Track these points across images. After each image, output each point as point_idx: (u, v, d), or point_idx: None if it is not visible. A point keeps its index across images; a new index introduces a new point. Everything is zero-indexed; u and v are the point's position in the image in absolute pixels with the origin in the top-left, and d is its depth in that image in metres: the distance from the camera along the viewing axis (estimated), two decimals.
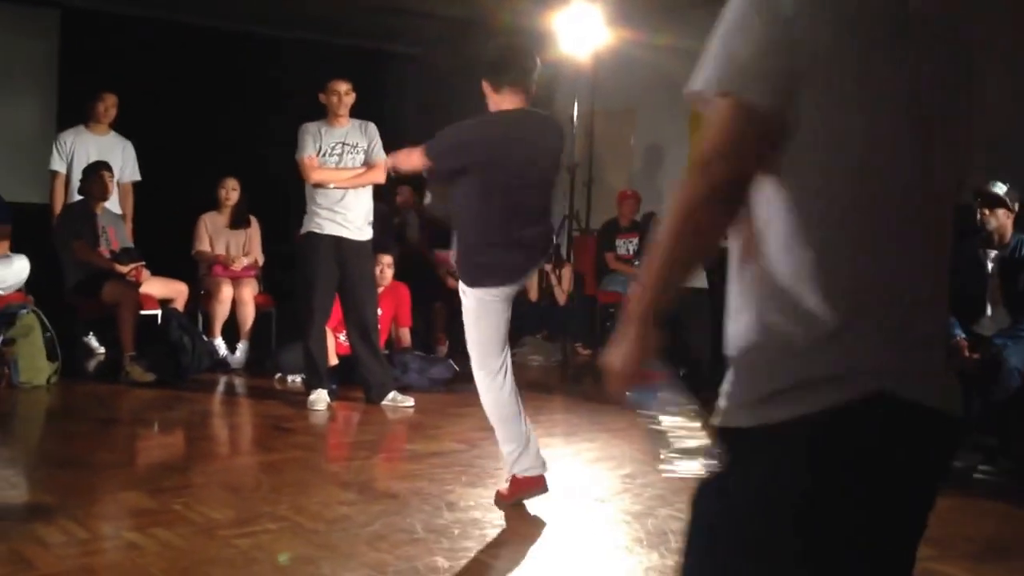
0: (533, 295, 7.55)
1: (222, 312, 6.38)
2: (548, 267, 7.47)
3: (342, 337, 5.74)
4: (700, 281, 7.74)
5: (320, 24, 9.02)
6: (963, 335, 4.53)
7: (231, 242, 6.68)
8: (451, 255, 3.68)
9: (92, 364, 6.42)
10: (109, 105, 6.59)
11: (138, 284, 6.04)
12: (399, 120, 9.24)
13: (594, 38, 7.14)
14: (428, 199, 8.25)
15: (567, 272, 7.60)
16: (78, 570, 2.81)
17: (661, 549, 3.22)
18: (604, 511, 3.69)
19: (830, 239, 1.26)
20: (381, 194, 6.04)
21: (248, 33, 9.05)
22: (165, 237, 6.75)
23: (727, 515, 1.33)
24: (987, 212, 4.55)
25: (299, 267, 5.31)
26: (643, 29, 7.47)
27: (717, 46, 1.30)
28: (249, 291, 6.50)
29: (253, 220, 6.79)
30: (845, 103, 1.23)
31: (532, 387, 6.53)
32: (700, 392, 5.43)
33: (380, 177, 5.32)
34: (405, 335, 6.27)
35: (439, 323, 7.21)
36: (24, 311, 5.45)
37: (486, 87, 3.53)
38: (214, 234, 6.67)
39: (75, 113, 6.88)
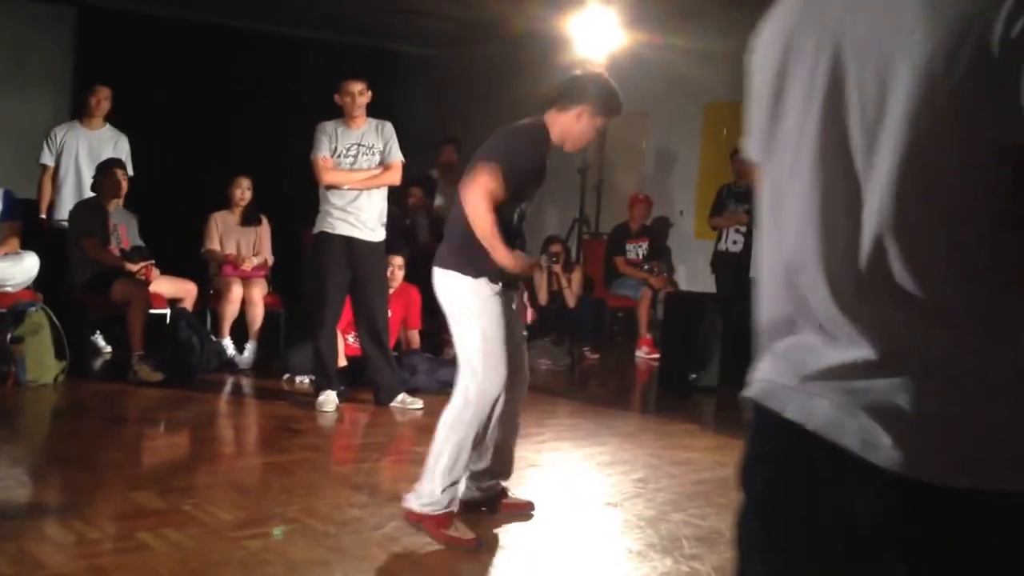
0: (542, 298, 7.52)
1: (231, 312, 6.36)
2: (558, 269, 7.45)
3: (351, 338, 5.72)
4: (708, 285, 7.73)
5: (335, 24, 9.02)
6: None
7: (241, 241, 6.66)
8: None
9: (99, 363, 6.40)
10: (102, 98, 6.56)
11: (148, 283, 6.01)
12: (410, 121, 9.25)
13: (609, 41, 7.13)
14: (439, 201, 8.28)
15: (577, 275, 7.58)
16: (88, 570, 2.79)
17: (675, 554, 3.20)
18: (616, 516, 3.66)
19: None
20: (394, 195, 6.02)
21: (263, 32, 9.06)
22: (176, 236, 6.73)
23: None
24: None
25: (311, 267, 5.29)
26: (657, 32, 7.45)
27: None
28: (259, 291, 6.48)
29: (264, 220, 6.77)
30: None
31: (541, 391, 6.50)
32: (713, 392, 5.34)
33: (395, 179, 5.29)
34: (414, 337, 6.24)
35: (448, 326, 7.17)
36: (33, 308, 5.43)
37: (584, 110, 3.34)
38: (225, 233, 6.65)
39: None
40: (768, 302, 1.23)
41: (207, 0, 8.40)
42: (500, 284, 3.24)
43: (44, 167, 6.56)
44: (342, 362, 5.69)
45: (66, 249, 6.10)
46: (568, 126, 3.30)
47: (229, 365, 6.26)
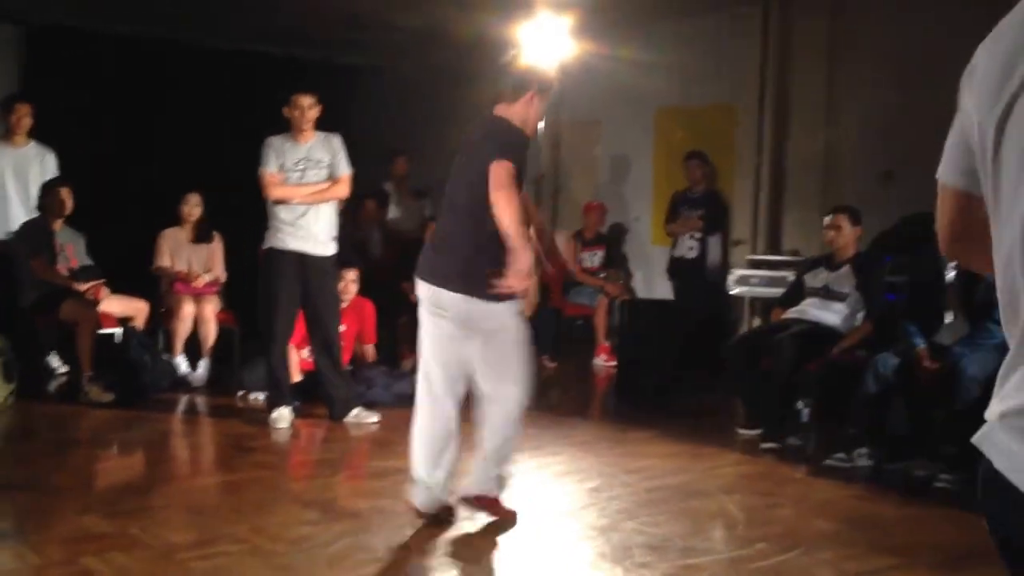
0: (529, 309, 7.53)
1: (183, 329, 6.30)
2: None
3: (305, 353, 5.68)
4: (665, 291, 7.78)
5: (284, 37, 8.97)
6: (924, 345, 4.57)
7: (193, 258, 6.60)
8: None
9: (54, 385, 6.30)
10: (22, 115, 6.43)
11: (97, 302, 5.94)
12: (364, 132, 9.22)
13: (559, 50, 7.16)
14: (393, 213, 8.26)
15: (534, 283, 7.59)
16: None
17: (626, 563, 3.22)
18: (569, 525, 3.67)
19: None
20: (346, 209, 6.00)
21: (212, 48, 8.99)
22: (125, 255, 6.65)
23: None
24: None
25: (261, 283, 5.25)
26: (606, 43, 7.51)
27: None
28: (211, 308, 6.42)
29: (216, 236, 6.72)
30: None
31: None
32: (672, 405, 5.34)
33: (343, 192, 5.28)
34: (370, 351, 6.22)
35: (404, 338, 7.16)
36: None
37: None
38: (175, 250, 6.59)
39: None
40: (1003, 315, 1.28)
41: (153, 16, 8.31)
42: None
43: None
44: (296, 377, 5.65)
45: (10, 269, 6.00)
46: (524, 112, 3.52)
47: (182, 383, 6.20)
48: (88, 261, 6.23)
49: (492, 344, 3.53)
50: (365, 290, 6.37)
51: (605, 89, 8.07)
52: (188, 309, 6.30)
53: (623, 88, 8.09)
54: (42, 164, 6.47)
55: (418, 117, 9.97)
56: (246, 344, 6.51)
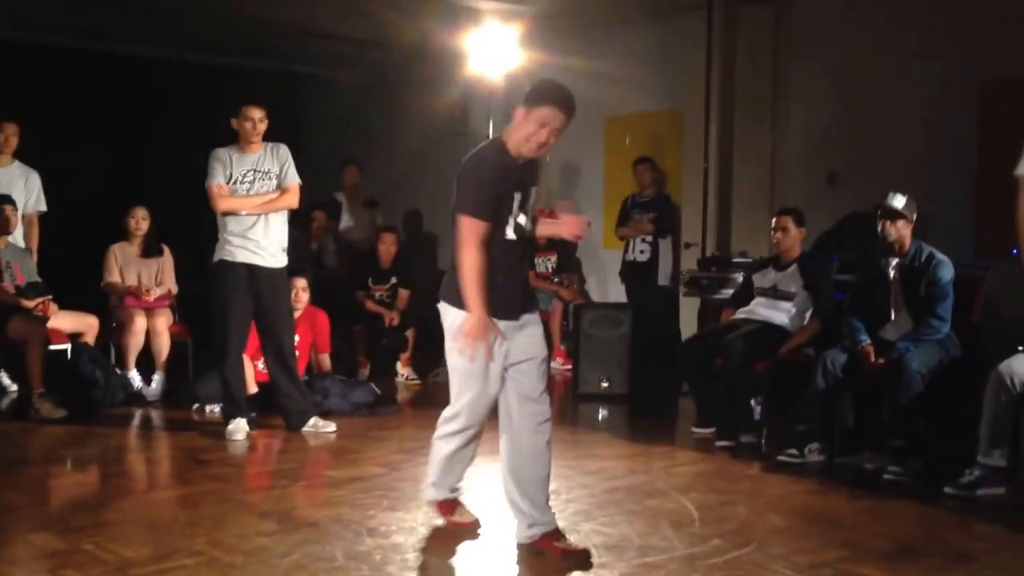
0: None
1: (135, 344, 6.23)
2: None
3: (260, 364, 5.65)
4: (618, 295, 7.86)
5: (236, 48, 8.92)
6: (869, 341, 4.68)
7: (143, 272, 6.53)
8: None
9: (3, 402, 6.18)
10: (9, 135, 6.37)
11: (45, 318, 5.85)
12: (313, 141, 9.20)
13: (506, 58, 7.21)
14: (345, 223, 8.23)
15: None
16: None
17: (584, 564, 3.25)
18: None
19: None
20: (297, 220, 5.98)
21: (159, 59, 8.91)
22: (75, 270, 6.56)
23: None
24: (888, 224, 4.72)
25: (213, 296, 5.22)
26: (554, 52, 7.58)
27: None
28: (164, 321, 6.37)
29: (166, 249, 6.66)
30: None
31: None
32: (624, 400, 5.39)
33: (292, 202, 5.26)
34: (325, 361, 6.20)
35: (360, 347, 7.15)
36: None
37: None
38: (124, 265, 6.52)
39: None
40: None
41: (97, 27, 8.21)
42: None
43: None
44: (252, 389, 5.62)
45: None
46: (515, 131, 3.34)
47: (136, 398, 6.14)
48: (35, 278, 6.14)
49: (450, 354, 3.43)
50: (320, 300, 6.36)
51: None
52: (140, 323, 6.24)
53: (573, 96, 8.16)
54: (27, 184, 6.38)
55: (367, 126, 9.97)
56: (200, 357, 6.46)
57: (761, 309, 5.42)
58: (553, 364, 7.62)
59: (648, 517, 3.80)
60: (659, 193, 7.66)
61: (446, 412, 3.52)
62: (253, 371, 5.72)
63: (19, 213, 6.29)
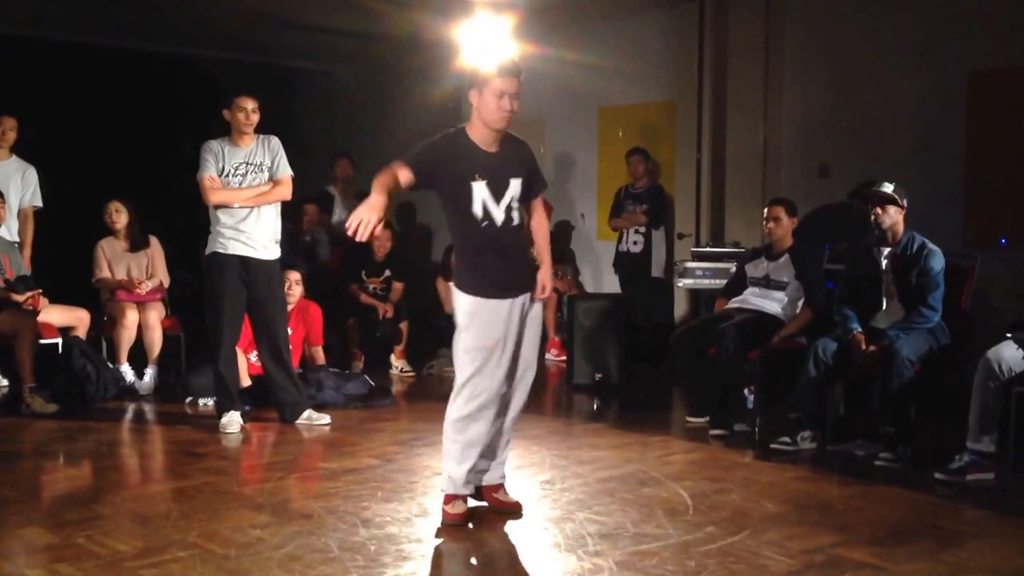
0: (448, 307, 7.54)
1: (127, 337, 6.22)
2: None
3: (253, 357, 5.65)
4: (612, 286, 7.86)
5: (230, 42, 8.88)
6: (860, 329, 4.69)
7: (132, 266, 6.51)
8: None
9: None
10: (7, 128, 6.36)
11: (36, 312, 5.84)
12: (306, 135, 9.17)
13: (499, 50, 7.19)
14: (338, 215, 8.22)
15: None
16: None
17: (579, 552, 3.26)
18: (523, 518, 3.70)
19: None
20: (288, 213, 5.96)
21: (151, 52, 8.87)
22: (68, 264, 6.54)
23: None
24: (880, 211, 4.72)
25: (206, 288, 5.21)
26: (547, 43, 7.57)
27: None
28: (156, 315, 6.35)
29: (153, 240, 6.63)
30: None
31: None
32: (610, 397, 5.42)
33: (285, 194, 5.25)
34: (318, 353, 6.20)
35: (354, 339, 7.15)
36: None
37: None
38: (113, 259, 6.50)
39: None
40: None
41: (90, 22, 8.17)
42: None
43: None
44: (246, 381, 5.62)
45: None
46: (474, 116, 3.53)
47: (129, 392, 6.13)
48: (24, 271, 6.12)
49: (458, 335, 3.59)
50: (313, 293, 6.35)
51: (548, 89, 8.13)
52: (132, 317, 6.23)
53: (566, 88, 8.16)
54: (24, 178, 6.37)
55: (359, 118, 9.94)
56: (193, 350, 6.45)
57: (754, 299, 5.44)
58: (548, 356, 7.63)
59: (642, 505, 3.81)
60: (652, 184, 7.66)
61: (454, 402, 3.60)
62: (246, 364, 5.71)
63: (15, 208, 6.27)
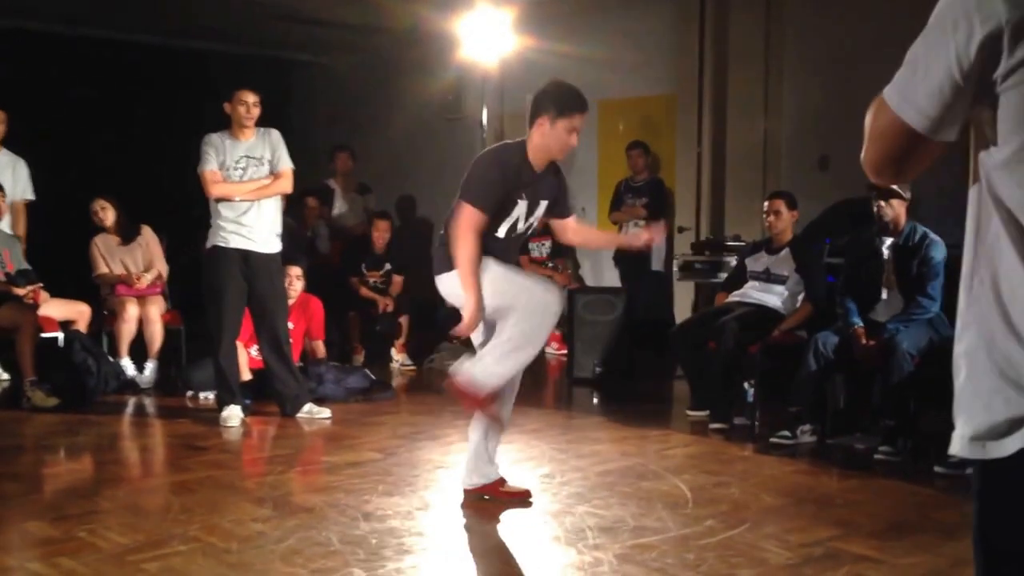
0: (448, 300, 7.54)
1: (128, 331, 6.23)
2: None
3: (254, 351, 5.65)
4: (612, 279, 7.86)
5: (229, 35, 8.87)
6: (861, 324, 4.70)
7: (127, 260, 6.51)
8: None
9: None
10: None
11: (36, 306, 5.84)
12: (306, 129, 9.17)
13: (500, 43, 7.19)
14: (338, 209, 8.22)
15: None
16: None
17: (579, 546, 3.27)
18: (522, 511, 3.71)
19: None
20: (288, 207, 5.96)
21: (148, 45, 8.86)
22: (68, 259, 6.54)
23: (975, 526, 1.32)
24: (883, 204, 4.72)
25: (206, 282, 5.21)
26: (547, 36, 7.56)
27: None
28: (156, 309, 6.36)
29: (146, 229, 6.60)
30: None
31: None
32: (610, 391, 5.42)
33: (286, 187, 5.25)
34: (319, 347, 6.20)
35: (354, 333, 7.16)
36: None
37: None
38: (108, 254, 6.50)
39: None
40: None
41: (88, 13, 8.16)
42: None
43: None
44: (246, 375, 5.63)
45: None
46: (538, 139, 3.56)
47: (130, 386, 6.14)
48: (25, 265, 6.12)
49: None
50: (314, 286, 6.36)
51: (547, 81, 8.12)
52: (132, 311, 6.24)
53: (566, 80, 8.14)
54: (14, 172, 6.36)
55: (359, 112, 9.93)
56: (193, 344, 6.45)
57: (754, 292, 5.44)
58: (548, 349, 7.63)
59: (642, 499, 3.82)
60: (652, 178, 7.65)
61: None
62: (247, 357, 5.72)
63: (7, 201, 6.27)
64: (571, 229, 3.88)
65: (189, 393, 5.94)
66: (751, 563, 3.10)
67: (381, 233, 7.33)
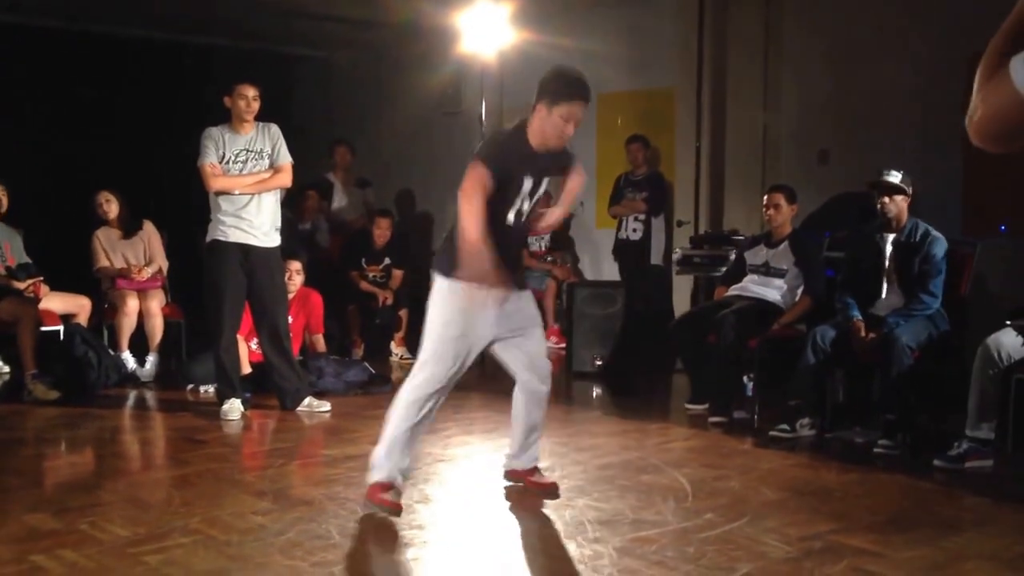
0: None
1: (128, 325, 6.23)
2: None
3: (254, 345, 5.66)
4: (612, 273, 7.87)
5: (229, 29, 8.86)
6: (860, 317, 4.70)
7: (128, 253, 6.52)
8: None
9: None
10: None
11: (37, 300, 5.85)
12: (306, 123, 9.16)
13: (499, 37, 7.18)
14: (337, 203, 8.22)
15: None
16: None
17: (579, 539, 3.28)
18: (523, 504, 3.72)
19: None
20: (288, 201, 5.96)
21: (149, 39, 8.86)
22: (68, 252, 6.55)
23: None
24: (887, 200, 4.72)
25: (206, 276, 5.21)
26: (546, 30, 7.55)
27: None
28: (156, 303, 6.37)
29: (148, 224, 6.62)
30: None
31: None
32: (609, 384, 5.40)
33: (286, 181, 5.25)
34: (319, 341, 6.21)
35: (354, 327, 7.16)
36: None
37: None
38: (109, 248, 6.51)
39: None
40: None
41: (91, 9, 8.15)
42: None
43: None
44: (246, 369, 5.63)
45: None
46: (537, 125, 3.45)
47: (130, 379, 6.15)
48: (26, 258, 6.13)
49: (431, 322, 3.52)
50: (313, 280, 6.36)
51: (551, 67, 8.11)
52: (132, 304, 6.24)
53: None
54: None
55: (358, 105, 9.93)
56: (194, 337, 6.46)
57: (753, 286, 5.44)
58: (548, 343, 7.63)
59: (642, 492, 3.83)
60: (652, 171, 7.66)
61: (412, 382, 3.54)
62: (247, 351, 5.72)
63: None
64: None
65: (189, 386, 5.95)
66: (751, 556, 3.11)
67: (382, 231, 7.34)
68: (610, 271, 7.96)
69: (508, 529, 3.47)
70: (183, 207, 6.51)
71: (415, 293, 7.41)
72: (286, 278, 5.69)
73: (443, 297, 3.46)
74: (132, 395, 5.95)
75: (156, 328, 6.31)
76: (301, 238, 7.30)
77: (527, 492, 3.83)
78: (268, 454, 4.72)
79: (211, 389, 5.65)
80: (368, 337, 7.17)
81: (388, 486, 3.50)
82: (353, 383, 5.94)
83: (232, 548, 3.14)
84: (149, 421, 5.59)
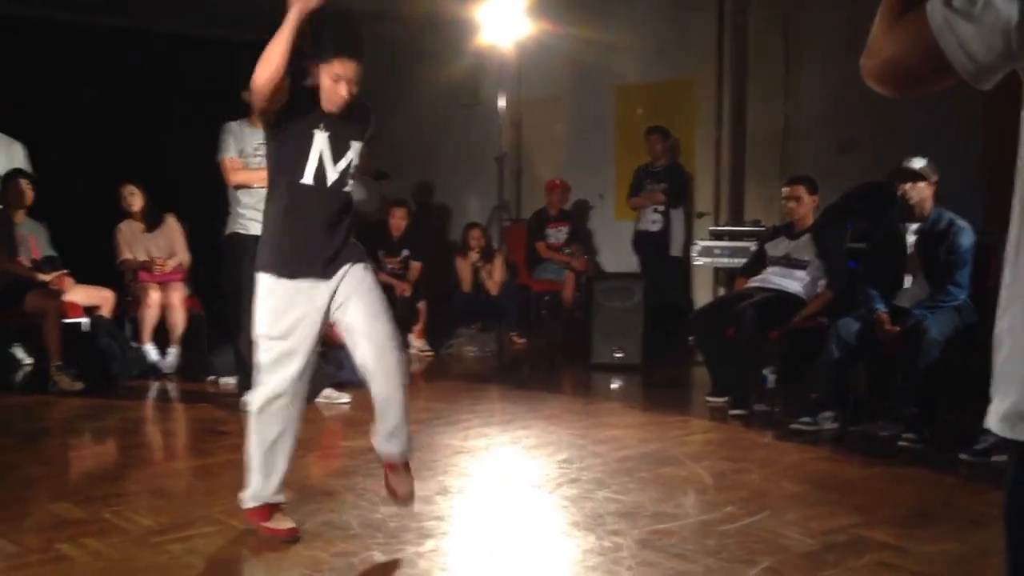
0: (466, 286, 7.57)
1: (151, 317, 6.27)
2: (475, 257, 7.54)
3: None
4: (631, 265, 7.85)
5: (239, 21, 8.86)
6: (884, 309, 4.66)
7: (151, 246, 6.56)
8: None
9: (20, 376, 6.25)
10: None
11: (61, 292, 5.90)
12: None
13: (517, 28, 7.17)
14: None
15: (499, 262, 7.63)
16: None
17: (598, 531, 3.27)
18: (541, 497, 3.72)
19: None
20: None
21: (165, 34, 8.89)
22: (92, 245, 6.59)
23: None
24: (908, 187, 4.66)
25: (226, 268, 5.24)
26: (563, 21, 7.53)
27: None
28: (178, 296, 6.40)
29: (170, 218, 6.65)
30: None
31: (468, 378, 6.56)
32: (636, 370, 5.37)
33: None
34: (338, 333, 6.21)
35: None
36: None
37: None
38: (132, 241, 6.55)
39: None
40: None
41: (115, 2, 8.19)
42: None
43: None
44: None
45: None
46: (320, 85, 3.07)
47: (152, 371, 6.19)
48: (51, 252, 6.19)
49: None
50: None
51: (564, 67, 8.09)
52: (154, 297, 6.28)
53: (582, 66, 8.12)
54: (8, 154, 6.39)
55: (376, 99, 9.91)
56: (215, 330, 6.50)
57: (774, 278, 5.41)
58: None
59: (661, 485, 3.82)
60: (671, 163, 7.62)
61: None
62: None
63: None
64: None
65: (211, 378, 5.98)
66: (772, 550, 3.09)
67: (397, 221, 7.34)
68: (629, 263, 7.95)
69: (527, 521, 3.47)
70: (204, 201, 6.54)
71: (433, 285, 7.43)
72: None
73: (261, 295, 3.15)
74: (154, 386, 6.00)
75: (178, 320, 6.34)
76: None
77: (546, 485, 3.83)
78: None
79: (232, 380, 5.68)
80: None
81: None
82: None
83: (253, 538, 3.16)
84: (171, 412, 5.63)
